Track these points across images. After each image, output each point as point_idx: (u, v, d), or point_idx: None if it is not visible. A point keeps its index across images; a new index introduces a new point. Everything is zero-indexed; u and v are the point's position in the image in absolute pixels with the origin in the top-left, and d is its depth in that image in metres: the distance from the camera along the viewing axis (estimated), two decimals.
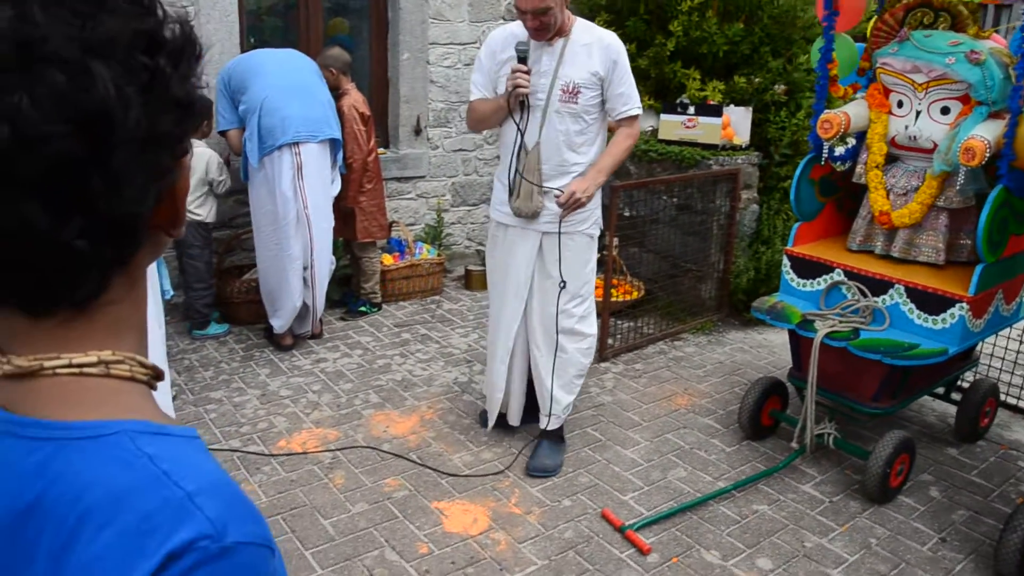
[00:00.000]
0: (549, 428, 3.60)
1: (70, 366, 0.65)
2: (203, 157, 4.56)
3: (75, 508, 0.59)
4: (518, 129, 3.27)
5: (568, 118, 3.25)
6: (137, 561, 0.57)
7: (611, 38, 3.29)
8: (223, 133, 4.64)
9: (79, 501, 0.60)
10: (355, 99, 4.79)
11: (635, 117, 3.35)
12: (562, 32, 3.22)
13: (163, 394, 3.05)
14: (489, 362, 3.72)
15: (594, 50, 3.23)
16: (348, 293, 5.36)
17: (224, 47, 4.93)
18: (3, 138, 0.55)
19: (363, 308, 5.24)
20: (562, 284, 3.38)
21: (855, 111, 3.60)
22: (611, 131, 3.43)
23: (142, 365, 0.70)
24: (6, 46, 0.55)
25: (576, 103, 3.23)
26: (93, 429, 0.63)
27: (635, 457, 3.68)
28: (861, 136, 3.69)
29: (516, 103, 3.22)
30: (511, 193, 3.35)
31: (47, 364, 0.64)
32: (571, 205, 3.22)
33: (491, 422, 3.76)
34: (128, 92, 0.59)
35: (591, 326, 3.55)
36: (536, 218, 3.35)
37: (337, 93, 4.73)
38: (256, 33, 5.36)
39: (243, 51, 4.92)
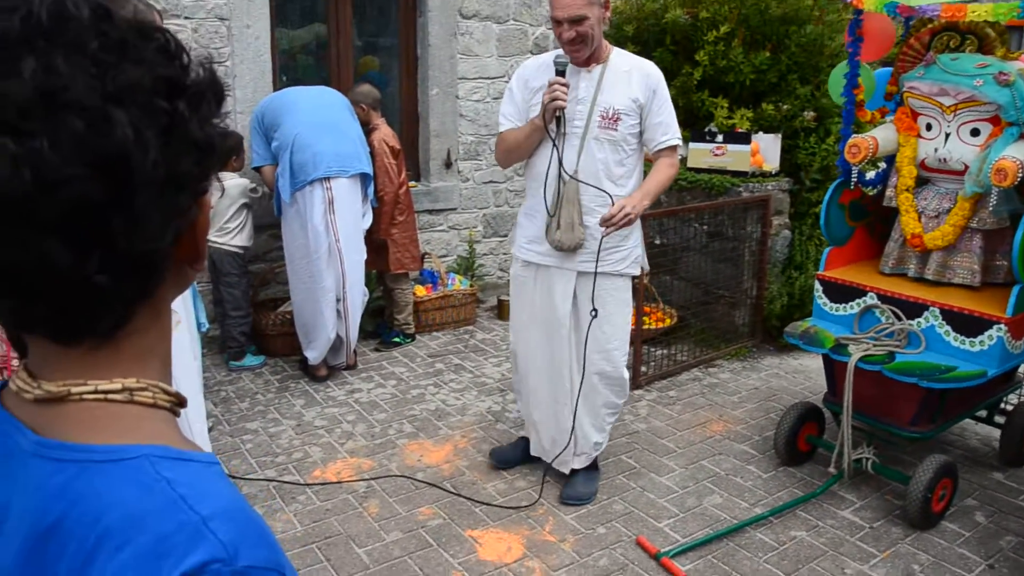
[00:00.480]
0: (578, 467, 3.54)
1: (95, 392, 0.68)
2: (237, 186, 4.69)
3: (95, 529, 0.62)
4: (554, 145, 3.12)
5: (607, 146, 3.15)
6: None
7: (651, 66, 3.23)
8: (257, 169, 4.75)
9: (99, 522, 0.62)
10: (385, 133, 4.88)
11: (675, 148, 3.26)
12: (599, 58, 3.16)
13: (199, 424, 3.10)
14: (546, 409, 3.51)
15: (634, 77, 3.16)
16: (382, 324, 5.41)
17: (257, 86, 5.05)
18: (25, 181, 0.57)
19: (397, 339, 5.28)
20: (593, 313, 3.27)
21: (883, 135, 3.59)
22: (647, 162, 3.37)
23: (165, 392, 0.72)
24: (30, 95, 0.58)
25: (616, 130, 3.14)
26: (115, 453, 0.65)
27: (670, 484, 3.65)
28: (891, 160, 3.69)
29: (552, 118, 3.08)
30: (548, 226, 3.23)
31: (74, 390, 0.67)
32: (620, 221, 3.03)
33: (565, 470, 3.57)
34: (147, 135, 0.61)
35: (625, 368, 3.48)
36: (576, 251, 3.23)
37: (367, 128, 4.81)
38: (288, 72, 5.49)
39: (276, 90, 5.03)
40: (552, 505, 3.47)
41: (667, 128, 3.22)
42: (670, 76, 5.58)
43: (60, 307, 0.64)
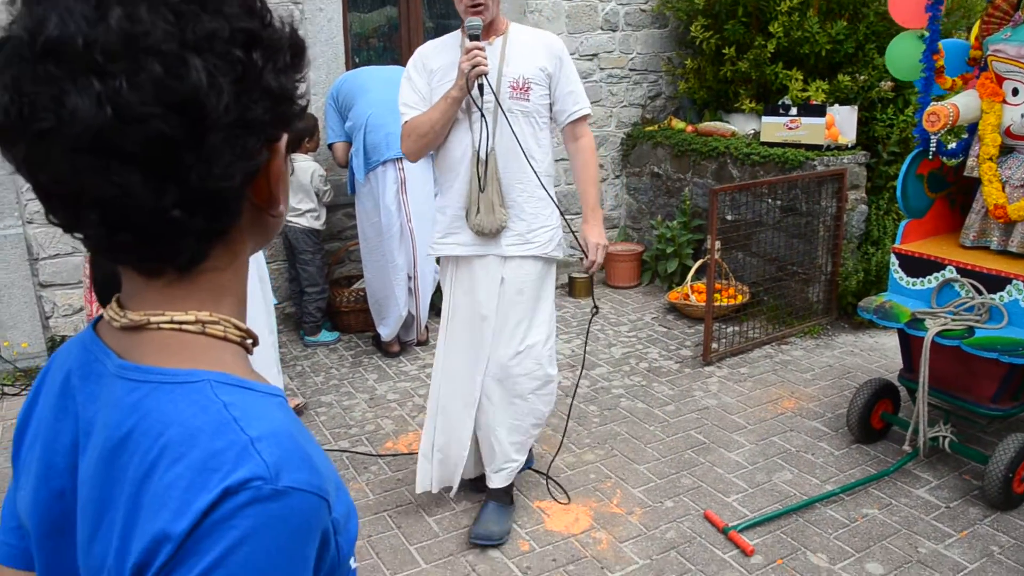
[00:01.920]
0: (497, 486, 3.18)
1: (172, 322, 0.75)
2: (308, 170, 4.78)
3: (158, 441, 0.68)
4: (482, 115, 2.89)
5: (522, 119, 2.95)
6: (200, 493, 0.65)
7: (552, 36, 3.07)
8: (330, 145, 4.86)
9: (161, 436, 0.68)
10: None
11: (586, 118, 3.11)
12: (498, 30, 2.97)
13: None
14: (443, 421, 3.16)
15: (537, 46, 3.01)
16: None
17: (330, 68, 5.15)
18: (107, 117, 0.63)
19: None
20: (594, 310, 3.25)
21: (965, 102, 3.46)
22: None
23: (237, 328, 0.79)
24: (114, 39, 0.64)
25: (528, 100, 2.95)
26: (182, 376, 0.72)
27: (739, 460, 3.63)
28: (973, 128, 3.56)
29: (474, 85, 2.82)
30: (468, 210, 2.99)
31: (153, 319, 0.75)
32: (601, 256, 3.12)
33: (455, 487, 3.23)
34: (220, 82, 0.67)
35: (555, 366, 3.17)
36: (498, 236, 3.00)
37: None
38: (361, 54, 5.58)
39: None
40: (619, 478, 3.49)
41: (579, 96, 3.06)
42: (742, 49, 5.50)
43: (142, 237, 0.70)
